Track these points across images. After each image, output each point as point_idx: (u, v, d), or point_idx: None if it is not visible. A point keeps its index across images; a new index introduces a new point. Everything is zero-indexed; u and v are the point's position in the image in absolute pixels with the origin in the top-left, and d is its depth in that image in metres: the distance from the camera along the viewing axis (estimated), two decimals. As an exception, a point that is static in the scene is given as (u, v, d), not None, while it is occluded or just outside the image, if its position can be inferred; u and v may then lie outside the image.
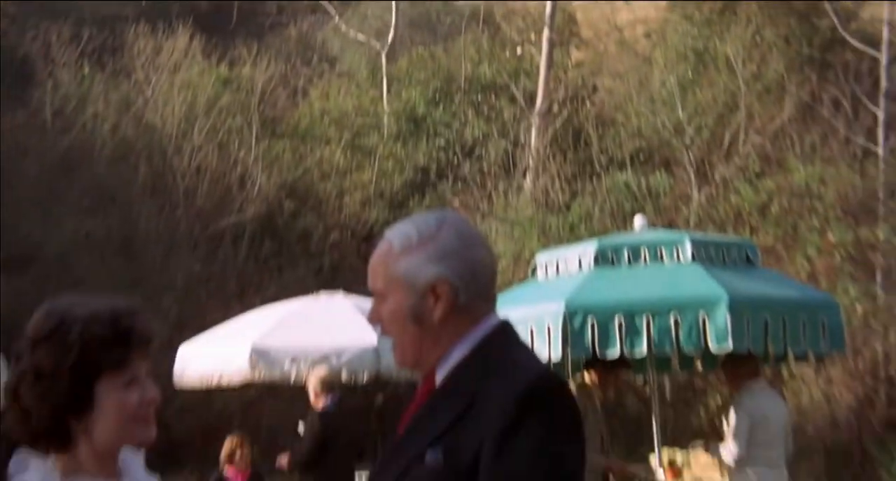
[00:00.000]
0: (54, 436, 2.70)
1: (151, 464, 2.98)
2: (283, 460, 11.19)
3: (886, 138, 23.42)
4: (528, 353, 3.00)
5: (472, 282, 2.90)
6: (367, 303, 13.16)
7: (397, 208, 25.90)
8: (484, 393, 2.77)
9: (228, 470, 12.15)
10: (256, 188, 26.27)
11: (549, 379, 2.85)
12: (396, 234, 2.94)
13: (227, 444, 12.32)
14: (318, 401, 10.80)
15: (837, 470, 21.59)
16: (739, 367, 9.26)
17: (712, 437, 10.86)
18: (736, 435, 9.08)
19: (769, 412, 9.11)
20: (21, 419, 2.69)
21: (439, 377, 2.88)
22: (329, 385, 10.91)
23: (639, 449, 10.61)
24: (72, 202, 25.93)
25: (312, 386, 10.87)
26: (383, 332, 2.96)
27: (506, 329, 2.96)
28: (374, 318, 2.99)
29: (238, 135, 27.29)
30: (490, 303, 2.97)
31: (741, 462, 9.04)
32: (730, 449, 9.14)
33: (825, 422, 22.12)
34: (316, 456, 10.51)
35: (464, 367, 2.87)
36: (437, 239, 2.90)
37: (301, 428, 11.14)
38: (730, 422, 9.29)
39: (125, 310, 2.76)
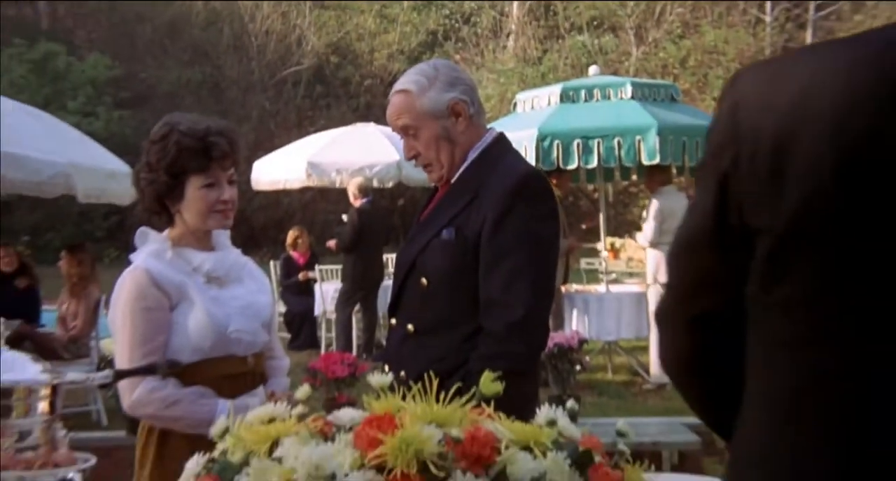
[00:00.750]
0: (161, 215, 2.80)
1: (237, 246, 3.02)
2: (331, 244, 11.31)
3: (773, 9, 23.57)
4: (519, 157, 3.01)
5: (474, 97, 2.89)
6: (391, 131, 13.18)
7: (414, 61, 25.67)
8: (486, 186, 2.79)
9: (293, 253, 12.38)
10: (310, 46, 26.36)
11: (535, 176, 2.87)
12: (409, 82, 2.86)
13: (291, 234, 12.57)
14: (357, 201, 10.82)
15: None
16: (656, 175, 9.27)
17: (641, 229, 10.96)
18: (649, 225, 9.16)
19: (675, 208, 9.15)
20: (140, 200, 2.82)
21: (454, 178, 2.90)
22: (364, 190, 10.94)
23: (588, 237, 10.69)
24: (176, 56, 26.00)
25: (352, 191, 10.91)
26: (421, 162, 2.91)
27: (502, 138, 2.95)
28: (410, 154, 2.92)
29: (296, 7, 27.01)
30: (484, 115, 2.96)
31: (653, 244, 9.14)
32: (645, 234, 9.24)
33: None
34: (355, 241, 10.60)
35: (472, 168, 2.87)
36: (440, 76, 2.85)
37: (344, 219, 11.22)
38: (647, 216, 9.35)
39: (216, 130, 2.75)
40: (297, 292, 12.24)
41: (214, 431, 1.53)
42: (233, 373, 2.76)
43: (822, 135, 1.24)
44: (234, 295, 2.83)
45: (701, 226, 1.40)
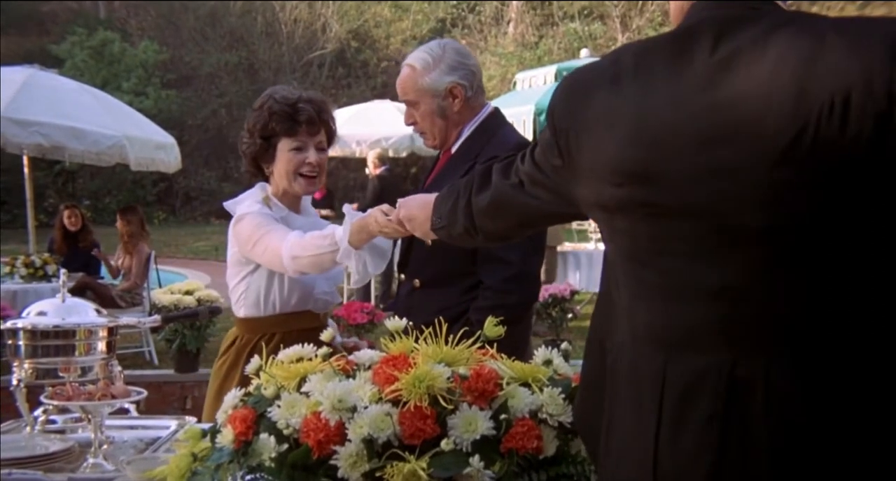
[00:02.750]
0: (257, 177, 2.76)
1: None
2: (353, 206, 11.17)
3: None
4: (513, 130, 2.94)
5: (474, 81, 2.81)
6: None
7: None
8: (483, 154, 2.74)
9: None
10: (333, 32, 26.22)
11: (524, 146, 2.82)
12: (417, 59, 2.79)
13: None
14: (376, 170, 10.80)
15: None
16: None
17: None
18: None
19: None
20: (244, 159, 2.78)
21: (454, 149, 2.87)
22: (382, 159, 10.90)
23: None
24: (215, 41, 25.94)
25: (372, 160, 10.87)
26: (418, 130, 2.87)
27: (497, 113, 2.87)
28: (409, 121, 2.87)
29: (321, -4, 26.83)
30: (483, 94, 2.88)
31: None
32: None
33: None
34: (375, 203, 10.57)
35: (470, 140, 2.83)
36: (445, 58, 2.77)
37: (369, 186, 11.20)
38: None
39: (306, 98, 2.72)
40: None
41: (249, 368, 1.53)
42: (307, 328, 2.64)
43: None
44: None
45: None
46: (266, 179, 2.76)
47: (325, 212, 10.97)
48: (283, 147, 2.68)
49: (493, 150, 2.73)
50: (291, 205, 2.77)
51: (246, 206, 2.67)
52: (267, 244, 2.56)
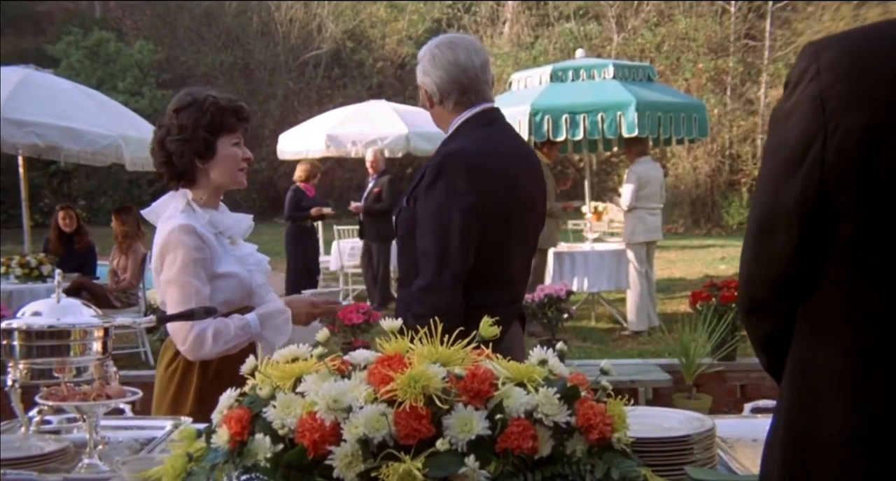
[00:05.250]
0: (188, 175, 2.73)
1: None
2: (358, 206, 10.86)
3: (736, 1, 23.79)
4: (471, 139, 2.82)
5: (450, 87, 2.80)
6: (400, 107, 13.20)
7: (421, 46, 25.81)
8: (431, 161, 2.80)
9: (302, 185, 10.63)
10: (328, 32, 26.16)
11: (453, 155, 2.76)
12: (420, 53, 2.93)
13: (302, 168, 10.73)
14: (374, 171, 10.76)
15: (697, 212, 22.60)
16: (634, 147, 9.22)
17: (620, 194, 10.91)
18: (627, 190, 9.13)
19: (650, 176, 9.12)
20: (165, 163, 2.72)
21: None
22: (378, 158, 10.90)
23: (575, 201, 10.65)
24: (211, 41, 25.90)
25: (369, 159, 10.85)
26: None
27: (480, 115, 2.85)
28: (421, 104, 3.01)
29: (317, -3, 26.78)
30: (474, 94, 2.83)
31: (631, 207, 9.11)
32: (624, 199, 9.20)
33: (691, 183, 22.75)
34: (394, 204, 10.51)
35: (441, 144, 2.88)
36: (427, 58, 2.85)
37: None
38: (625, 182, 9.32)
39: (235, 98, 2.81)
40: (302, 234, 10.55)
41: (245, 368, 1.53)
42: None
43: None
44: (246, 252, 2.83)
45: (782, 207, 1.26)
46: (190, 181, 2.73)
47: (325, 210, 10.69)
48: (226, 142, 2.72)
49: (433, 157, 2.81)
50: (213, 205, 2.79)
51: (174, 222, 2.64)
52: (179, 304, 2.60)
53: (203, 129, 2.67)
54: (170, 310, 2.62)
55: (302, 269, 10.50)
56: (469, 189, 2.70)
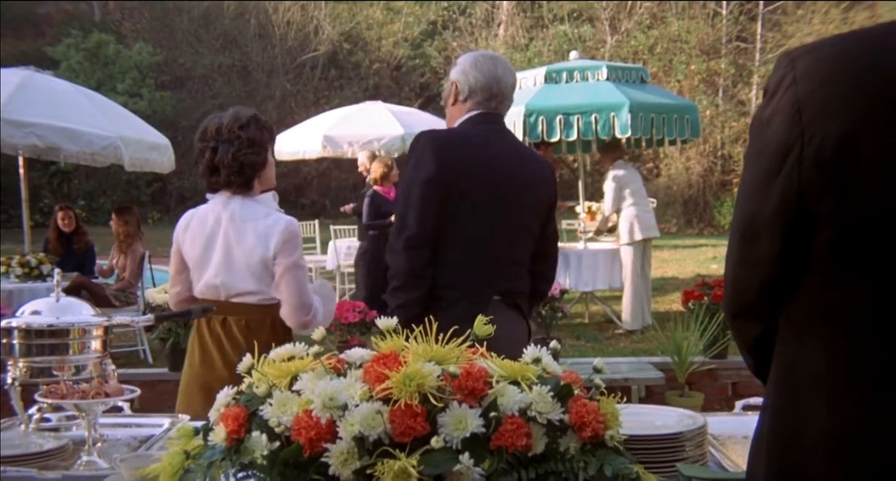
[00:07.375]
0: (251, 182, 3.06)
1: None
2: (348, 208, 10.97)
3: (728, 4, 23.86)
4: (470, 126, 3.06)
5: (480, 88, 3.05)
6: (396, 108, 13.19)
7: (416, 48, 26.32)
8: None
9: (379, 188, 9.33)
10: (325, 34, 26.15)
11: (426, 133, 3.03)
12: (464, 56, 3.17)
13: (378, 168, 9.54)
14: (366, 171, 10.73)
15: (689, 212, 22.64)
16: (611, 152, 9.28)
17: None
18: (609, 194, 9.17)
19: (628, 177, 9.17)
20: (238, 172, 3.01)
21: None
22: (373, 160, 10.88)
23: (569, 201, 10.66)
24: (209, 43, 25.88)
25: (362, 162, 10.83)
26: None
27: (483, 114, 3.07)
28: (442, 102, 3.23)
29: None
30: (496, 101, 3.07)
31: (616, 209, 9.17)
32: (607, 203, 9.28)
33: (683, 183, 22.82)
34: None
35: None
36: (467, 62, 3.11)
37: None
38: (606, 187, 9.34)
39: (262, 115, 3.20)
40: (385, 244, 9.67)
41: (241, 367, 1.53)
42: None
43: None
44: None
45: (763, 213, 1.27)
46: (239, 191, 3.07)
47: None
48: (269, 153, 3.13)
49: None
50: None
51: (286, 217, 3.05)
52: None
53: (266, 143, 3.08)
54: (294, 292, 2.95)
55: (382, 283, 10.17)
56: (431, 160, 2.90)
